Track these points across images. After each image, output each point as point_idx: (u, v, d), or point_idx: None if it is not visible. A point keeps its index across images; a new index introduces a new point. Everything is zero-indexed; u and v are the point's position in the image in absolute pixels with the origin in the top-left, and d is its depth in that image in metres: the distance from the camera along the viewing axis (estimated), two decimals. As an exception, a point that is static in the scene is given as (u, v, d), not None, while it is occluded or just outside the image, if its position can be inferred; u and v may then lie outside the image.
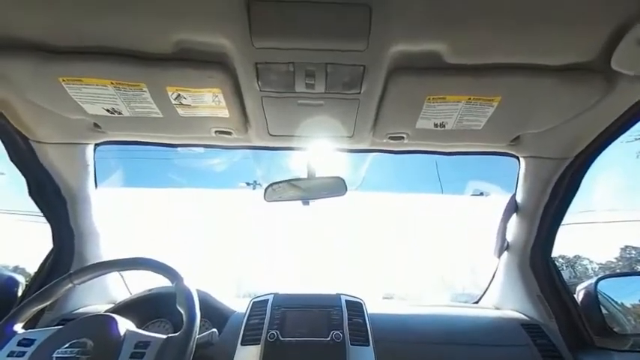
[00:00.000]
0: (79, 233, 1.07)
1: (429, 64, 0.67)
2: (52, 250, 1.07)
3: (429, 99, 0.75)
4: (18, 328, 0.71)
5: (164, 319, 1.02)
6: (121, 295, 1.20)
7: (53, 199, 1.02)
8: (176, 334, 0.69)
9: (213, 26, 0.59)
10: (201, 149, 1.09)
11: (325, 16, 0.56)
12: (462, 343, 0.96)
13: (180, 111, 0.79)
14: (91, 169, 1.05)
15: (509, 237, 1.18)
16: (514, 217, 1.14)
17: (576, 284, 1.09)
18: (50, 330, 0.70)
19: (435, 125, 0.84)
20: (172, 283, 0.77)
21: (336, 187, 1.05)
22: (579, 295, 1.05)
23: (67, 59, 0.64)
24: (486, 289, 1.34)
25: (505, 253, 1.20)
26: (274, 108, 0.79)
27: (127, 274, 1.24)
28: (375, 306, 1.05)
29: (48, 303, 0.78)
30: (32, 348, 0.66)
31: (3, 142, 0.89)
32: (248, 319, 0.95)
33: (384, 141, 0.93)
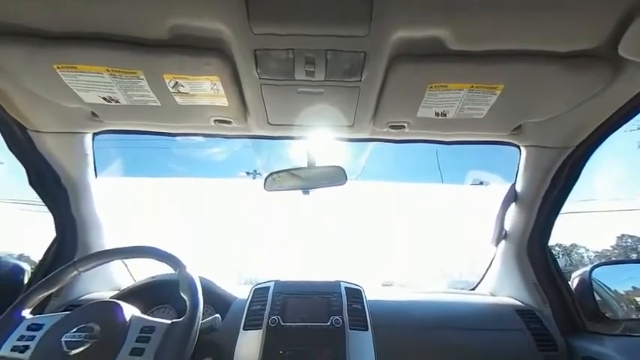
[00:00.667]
0: (81, 222, 1.08)
1: (431, 51, 0.65)
2: (55, 238, 1.08)
3: (431, 87, 0.74)
4: (26, 313, 0.73)
5: (168, 305, 1.04)
6: (125, 282, 1.22)
7: (54, 188, 1.02)
8: (180, 319, 0.70)
9: (210, 11, 0.58)
10: (201, 138, 1.09)
11: (326, 0, 0.55)
12: (457, 327, 0.99)
13: (178, 99, 0.78)
14: (90, 158, 1.05)
15: (508, 226, 1.19)
16: (513, 206, 1.15)
17: (572, 272, 1.12)
18: (58, 315, 0.72)
19: (437, 114, 0.83)
20: (175, 270, 0.79)
21: (336, 176, 1.05)
22: (574, 282, 1.08)
23: (60, 45, 0.63)
24: (483, 277, 1.36)
25: (503, 242, 1.22)
26: (274, 96, 0.78)
27: (129, 261, 1.26)
28: (374, 293, 1.08)
29: (54, 290, 0.79)
30: (41, 332, 0.68)
31: (0, 131, 0.88)
32: (250, 305, 0.97)
33: (385, 130, 0.93)
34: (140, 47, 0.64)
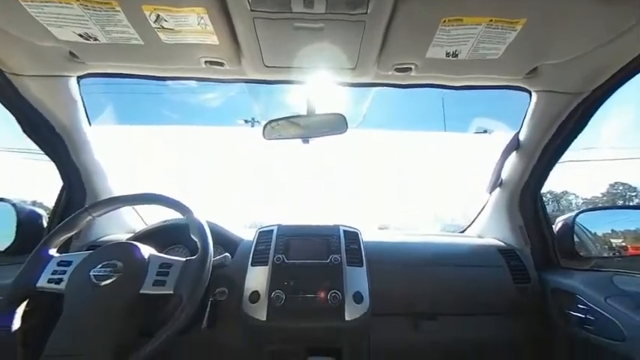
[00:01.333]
0: (84, 170, 1.10)
1: None
2: (64, 186, 1.12)
3: (444, 21, 0.66)
4: (53, 252, 0.80)
5: (181, 245, 1.13)
6: (138, 226, 1.31)
7: (49, 136, 1.01)
8: (194, 257, 0.77)
9: None
10: (195, 84, 1.03)
11: None
12: (445, 264, 1.10)
13: (162, 36, 0.72)
14: (80, 104, 1.02)
15: (505, 174, 1.21)
16: (513, 155, 1.15)
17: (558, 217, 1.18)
18: (83, 254, 0.79)
19: (447, 54, 0.77)
20: (184, 216, 0.84)
21: (337, 124, 1.03)
22: (557, 226, 1.15)
23: None
24: (473, 221, 1.45)
25: (497, 189, 1.26)
26: (268, 32, 0.71)
27: (139, 207, 1.33)
28: (370, 235, 1.16)
29: (73, 232, 0.85)
30: (71, 268, 0.75)
31: None
32: (256, 246, 1.06)
33: (390, 73, 0.87)
34: None
